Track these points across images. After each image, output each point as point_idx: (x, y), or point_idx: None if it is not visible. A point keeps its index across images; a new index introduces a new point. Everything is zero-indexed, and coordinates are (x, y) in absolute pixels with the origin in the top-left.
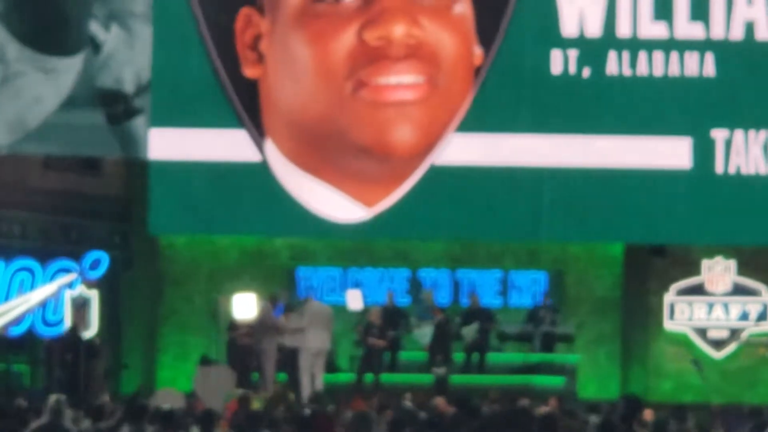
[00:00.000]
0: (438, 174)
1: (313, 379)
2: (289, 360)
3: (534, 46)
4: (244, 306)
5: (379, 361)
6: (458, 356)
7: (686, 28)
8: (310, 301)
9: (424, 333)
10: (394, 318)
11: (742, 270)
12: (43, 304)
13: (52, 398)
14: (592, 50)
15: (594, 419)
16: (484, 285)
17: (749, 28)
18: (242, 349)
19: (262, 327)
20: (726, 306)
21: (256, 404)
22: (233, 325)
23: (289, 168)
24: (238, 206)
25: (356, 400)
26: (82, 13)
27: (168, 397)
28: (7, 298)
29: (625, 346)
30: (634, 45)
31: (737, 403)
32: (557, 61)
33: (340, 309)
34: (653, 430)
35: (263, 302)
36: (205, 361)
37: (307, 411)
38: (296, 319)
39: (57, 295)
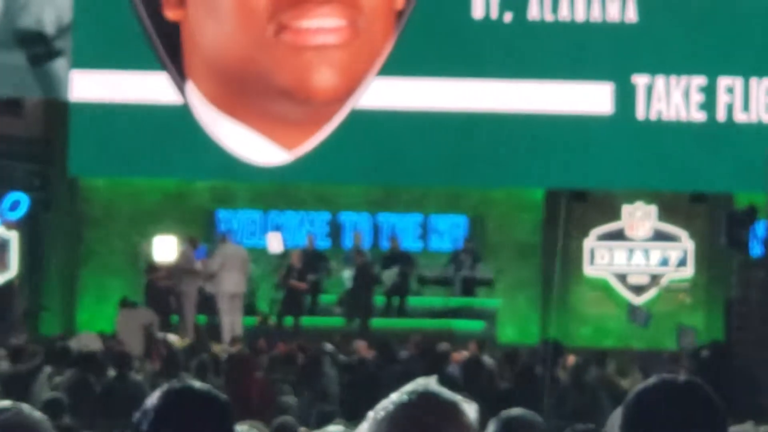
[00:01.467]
0: (359, 118)
1: (233, 322)
2: (209, 303)
3: None
4: (164, 248)
5: (299, 305)
6: (378, 300)
7: None
8: (224, 243)
9: (349, 277)
10: (314, 261)
11: (663, 216)
12: None
13: None
14: None
15: (514, 364)
16: (404, 229)
17: None
18: (161, 292)
19: (181, 270)
20: (646, 251)
21: (180, 346)
22: (152, 268)
23: (210, 111)
24: (159, 149)
25: (278, 344)
26: None
27: (85, 341)
28: None
29: (546, 291)
30: None
31: (657, 348)
32: (479, 6)
33: (261, 252)
34: (573, 374)
35: (183, 245)
36: (126, 303)
37: (225, 355)
38: (211, 261)
39: None
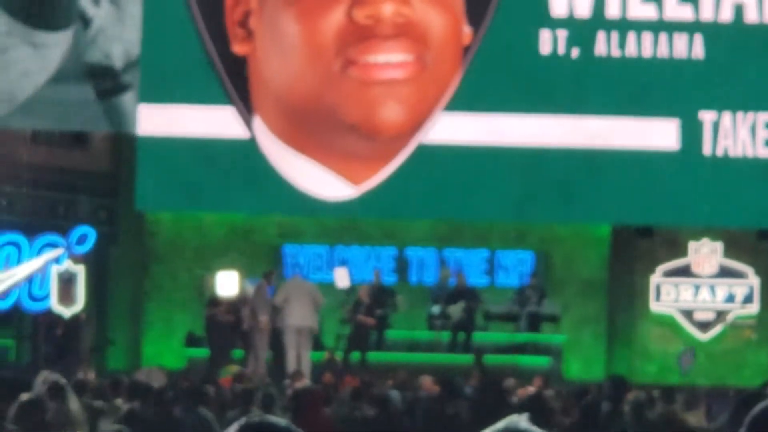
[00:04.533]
0: (426, 153)
1: (299, 357)
2: (276, 338)
3: (523, 26)
4: (227, 283)
5: (366, 340)
6: (444, 335)
7: (675, 9)
8: (291, 278)
9: (456, 309)
10: (381, 296)
11: (729, 252)
12: (30, 279)
13: (42, 374)
14: (581, 31)
15: (580, 400)
16: (470, 264)
17: (738, 10)
18: (222, 327)
19: (258, 303)
20: (712, 288)
21: (246, 383)
22: (213, 302)
23: (276, 145)
24: (226, 183)
25: (347, 378)
26: None
27: (150, 375)
28: None
29: (611, 327)
30: (623, 26)
31: (723, 385)
32: (546, 42)
33: (327, 287)
34: (636, 410)
35: (259, 280)
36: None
37: (291, 390)
38: (277, 297)
39: (43, 270)
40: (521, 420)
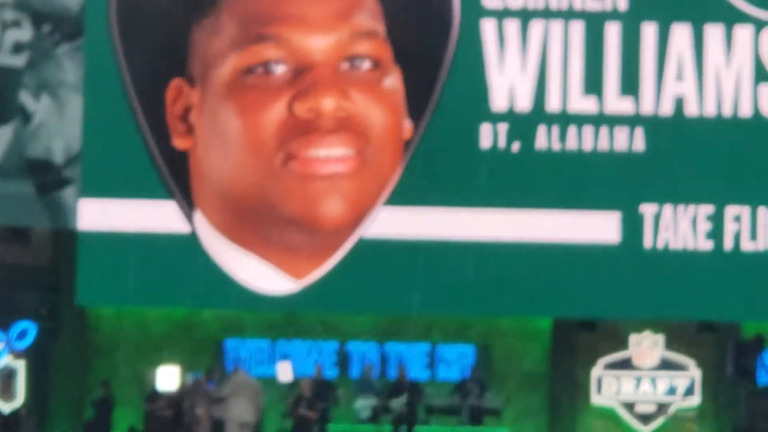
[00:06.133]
0: (367, 247)
1: None
2: (218, 431)
3: (464, 119)
4: (167, 378)
5: None
6: (386, 429)
7: (616, 102)
8: (236, 372)
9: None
10: (322, 390)
11: (670, 345)
12: None
13: None
14: (522, 124)
15: None
16: (412, 358)
17: (679, 103)
18: (162, 421)
19: (197, 397)
20: (653, 380)
21: None
22: (153, 397)
23: (218, 239)
24: (167, 278)
25: None
26: (12, 83)
27: None
28: None
29: (553, 420)
30: (564, 119)
31: None
32: (487, 135)
33: (269, 381)
34: None
35: (200, 374)
36: None
37: None
38: (222, 389)
39: None
40: None
